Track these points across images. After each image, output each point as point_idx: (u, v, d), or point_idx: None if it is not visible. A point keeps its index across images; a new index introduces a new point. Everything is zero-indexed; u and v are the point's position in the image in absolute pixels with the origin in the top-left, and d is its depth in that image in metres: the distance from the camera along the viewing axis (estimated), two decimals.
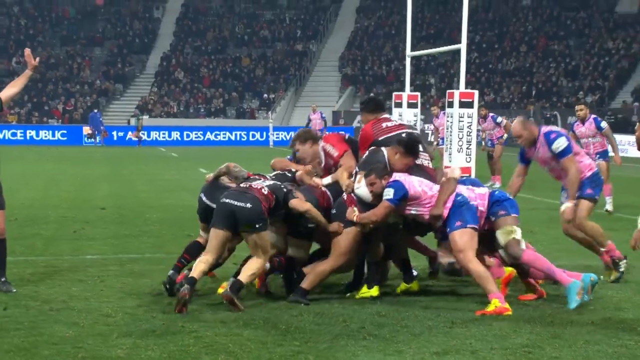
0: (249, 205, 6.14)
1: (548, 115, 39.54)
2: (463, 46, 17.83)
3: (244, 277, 6.16)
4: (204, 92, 46.16)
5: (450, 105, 17.84)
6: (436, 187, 6.42)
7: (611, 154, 12.41)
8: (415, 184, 6.37)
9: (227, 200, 6.23)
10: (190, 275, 6.18)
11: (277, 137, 38.78)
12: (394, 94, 22.60)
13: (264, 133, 39.35)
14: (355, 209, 6.44)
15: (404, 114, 20.79)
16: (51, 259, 8.18)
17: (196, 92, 46.27)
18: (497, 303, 6.02)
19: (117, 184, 16.62)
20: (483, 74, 45.56)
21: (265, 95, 45.94)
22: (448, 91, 18.86)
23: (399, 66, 47.57)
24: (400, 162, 6.64)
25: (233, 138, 39.50)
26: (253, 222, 6.14)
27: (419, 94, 22.32)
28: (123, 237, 9.58)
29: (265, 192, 6.29)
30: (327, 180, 6.82)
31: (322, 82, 47.48)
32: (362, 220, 6.38)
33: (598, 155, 12.14)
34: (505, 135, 17.53)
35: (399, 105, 21.05)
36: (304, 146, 6.99)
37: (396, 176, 6.41)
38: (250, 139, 39.43)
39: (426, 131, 32.44)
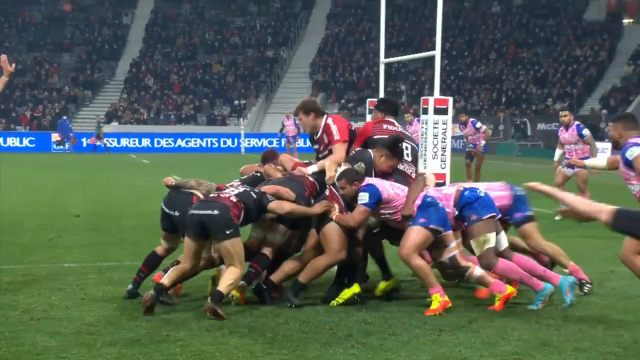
0: (216, 212, 6.18)
1: (518, 122, 39.94)
2: (437, 53, 17.95)
3: (222, 287, 6.12)
4: (174, 98, 45.89)
5: (425, 111, 18.05)
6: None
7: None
8: (387, 187, 6.51)
9: (194, 211, 6.26)
10: (160, 281, 6.28)
11: (248, 144, 38.66)
12: (368, 100, 22.80)
13: (236, 140, 39.22)
14: (336, 206, 6.52)
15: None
16: (29, 267, 8.03)
17: (166, 98, 45.98)
18: (438, 298, 6.24)
19: (91, 191, 16.43)
20: (453, 81, 45.89)
21: (236, 101, 45.81)
22: (423, 98, 19.02)
23: (370, 73, 47.80)
24: (386, 163, 6.85)
25: (204, 145, 39.30)
26: (222, 228, 6.15)
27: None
28: (100, 245, 9.45)
29: (234, 200, 6.32)
30: (313, 168, 6.93)
31: (293, 88, 47.45)
32: (339, 221, 6.45)
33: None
34: (483, 142, 17.58)
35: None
36: (307, 117, 7.03)
37: (369, 180, 6.52)
38: (222, 145, 39.28)
39: None
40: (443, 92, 50.31)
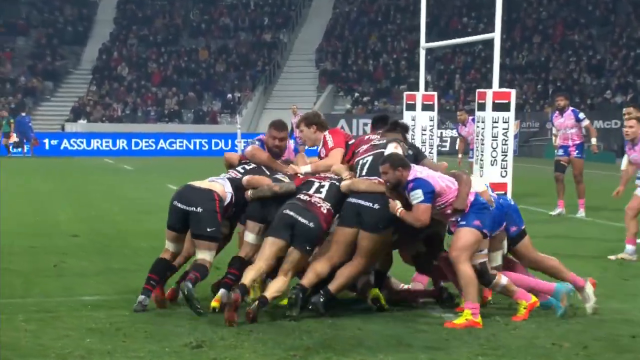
0: (312, 224, 7.24)
1: None
2: (497, 35, 17.73)
3: (268, 294, 7.11)
4: (154, 91, 45.73)
5: (482, 107, 17.75)
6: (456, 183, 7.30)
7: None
8: (437, 179, 7.22)
9: (290, 213, 7.28)
10: (241, 282, 7.14)
11: (245, 146, 38.39)
12: (406, 94, 22.50)
13: (229, 141, 39.00)
14: (398, 202, 7.16)
15: (418, 118, 20.67)
16: (41, 301, 7.81)
17: (144, 91, 45.81)
18: (468, 315, 6.95)
19: (78, 205, 16.26)
20: (489, 69, 45.78)
21: (229, 95, 45.65)
22: (478, 91, 18.76)
23: (388, 60, 47.72)
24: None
25: (192, 147, 39.08)
26: (310, 242, 7.27)
27: (435, 94, 22.26)
28: (119, 273, 9.24)
29: (325, 212, 7.36)
30: (306, 168, 7.86)
31: (296, 79, 47.35)
32: (403, 216, 7.11)
33: (577, 152, 15.05)
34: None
35: (411, 107, 20.94)
36: (309, 130, 8.05)
37: (416, 172, 7.21)
38: (213, 147, 39.02)
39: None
40: (478, 83, 50.33)
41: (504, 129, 16.16)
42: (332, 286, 7.21)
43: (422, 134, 20.30)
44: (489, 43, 50.13)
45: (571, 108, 15.52)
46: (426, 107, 20.67)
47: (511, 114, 17.36)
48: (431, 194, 7.05)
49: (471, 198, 7.17)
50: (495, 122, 17.26)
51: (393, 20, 50.25)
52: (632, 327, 7.10)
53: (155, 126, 42.61)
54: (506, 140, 16.61)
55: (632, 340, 6.67)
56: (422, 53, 21.91)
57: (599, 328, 7.02)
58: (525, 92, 43.83)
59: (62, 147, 37.57)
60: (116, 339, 6.51)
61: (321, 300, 7.15)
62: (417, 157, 7.84)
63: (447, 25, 49.05)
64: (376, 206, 7.18)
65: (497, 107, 17.36)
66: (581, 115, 15.38)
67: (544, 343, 6.54)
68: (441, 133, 37.81)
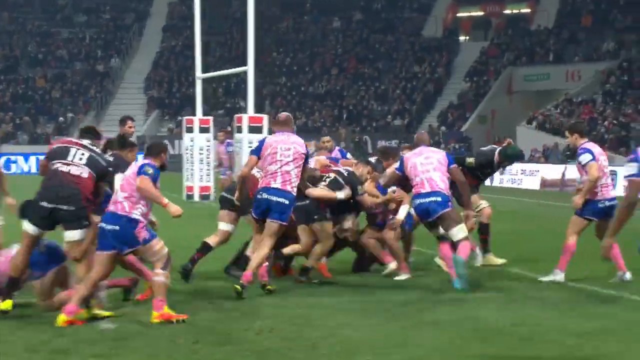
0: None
1: (357, 139, 41.76)
2: (250, 68, 18.85)
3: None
4: None
5: (239, 130, 18.75)
6: None
7: None
8: None
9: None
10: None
11: None
12: (185, 118, 23.24)
13: None
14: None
15: (196, 140, 21.53)
16: None
17: None
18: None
19: None
20: (294, 97, 47.32)
21: (62, 118, 45.01)
22: (236, 115, 19.71)
23: (209, 88, 48.42)
24: None
25: (26, 168, 38.31)
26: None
27: (211, 118, 23.09)
28: None
29: None
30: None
31: (126, 104, 47.20)
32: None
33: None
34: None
35: (190, 130, 21.77)
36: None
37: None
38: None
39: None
40: (284, 108, 51.66)
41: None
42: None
43: (200, 154, 21.28)
44: (295, 74, 51.23)
45: (338, 148, 14.90)
46: (203, 130, 21.69)
47: (263, 136, 18.52)
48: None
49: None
50: (250, 142, 18.29)
51: (213, 53, 50.97)
52: None
53: None
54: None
55: None
56: (198, 83, 22.94)
57: None
58: (324, 117, 45.55)
59: None
60: None
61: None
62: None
63: (260, 58, 50.27)
64: None
65: (252, 130, 18.52)
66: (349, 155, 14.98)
67: None
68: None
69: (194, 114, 21.86)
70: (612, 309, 7.85)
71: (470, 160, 10.15)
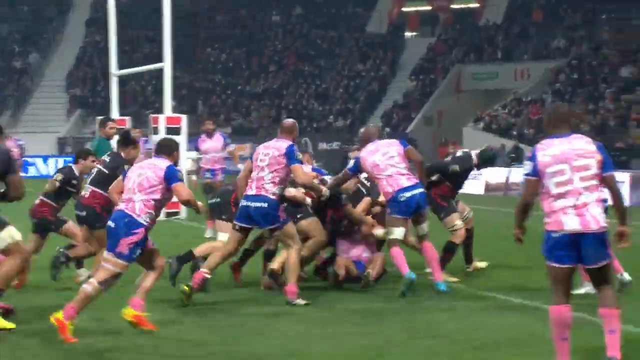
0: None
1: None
2: (167, 64, 18.40)
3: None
4: None
5: (156, 131, 18.22)
6: None
7: None
8: None
9: None
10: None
11: None
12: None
13: None
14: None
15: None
16: None
17: None
18: None
19: None
20: (230, 96, 46.76)
21: None
22: (152, 115, 19.16)
23: (136, 87, 47.59)
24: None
25: None
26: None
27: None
28: None
29: None
30: None
31: (46, 103, 46.17)
32: None
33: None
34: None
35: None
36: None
37: None
38: None
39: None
40: (218, 108, 50.82)
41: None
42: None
43: None
44: (230, 72, 50.79)
45: (220, 132, 15.09)
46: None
47: (182, 138, 18.02)
48: None
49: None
50: None
51: (140, 50, 50.16)
52: None
53: None
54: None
55: None
56: (114, 80, 22.34)
57: None
58: (261, 117, 45.09)
59: None
60: None
61: None
62: None
63: (194, 54, 49.68)
64: None
65: (170, 131, 18.03)
66: (229, 140, 15.37)
67: None
68: None
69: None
70: (519, 318, 7.92)
71: (454, 167, 10.35)
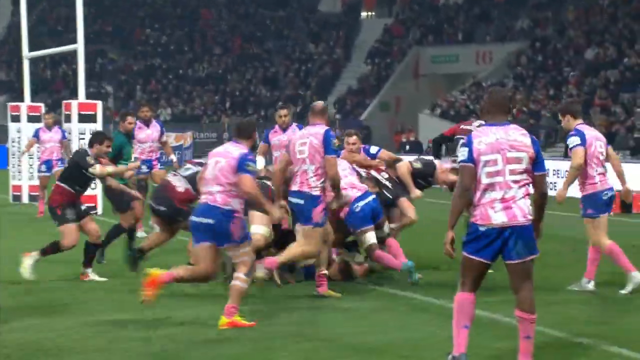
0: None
1: None
2: (80, 46, 18.12)
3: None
4: None
5: (68, 119, 17.97)
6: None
7: None
8: None
9: None
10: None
11: None
12: (9, 105, 22.34)
13: None
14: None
15: (23, 130, 20.61)
16: None
17: None
18: None
19: None
20: (171, 81, 46.39)
21: None
22: (64, 102, 18.86)
23: (68, 70, 47.03)
24: None
25: None
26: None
27: (42, 104, 22.22)
28: None
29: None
30: None
31: None
32: None
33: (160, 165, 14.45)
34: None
35: (16, 119, 20.93)
36: None
37: None
38: None
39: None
40: (158, 93, 50.23)
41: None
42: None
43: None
44: (170, 55, 50.37)
45: (156, 120, 14.64)
46: (33, 119, 20.79)
47: (98, 126, 17.79)
48: None
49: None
50: (82, 133, 17.62)
51: (72, 30, 49.60)
52: None
53: None
54: None
55: None
56: (26, 63, 22.07)
57: None
58: (204, 104, 44.86)
59: None
60: None
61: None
62: None
63: (131, 35, 49.27)
64: None
65: (83, 119, 17.80)
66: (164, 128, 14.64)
67: None
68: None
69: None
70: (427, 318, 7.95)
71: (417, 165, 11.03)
